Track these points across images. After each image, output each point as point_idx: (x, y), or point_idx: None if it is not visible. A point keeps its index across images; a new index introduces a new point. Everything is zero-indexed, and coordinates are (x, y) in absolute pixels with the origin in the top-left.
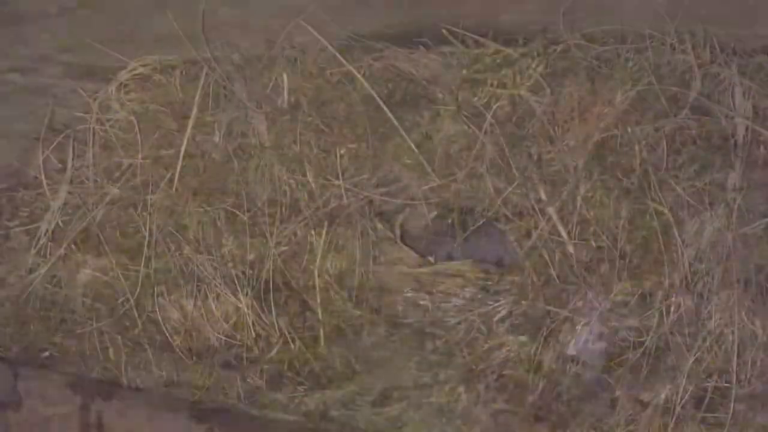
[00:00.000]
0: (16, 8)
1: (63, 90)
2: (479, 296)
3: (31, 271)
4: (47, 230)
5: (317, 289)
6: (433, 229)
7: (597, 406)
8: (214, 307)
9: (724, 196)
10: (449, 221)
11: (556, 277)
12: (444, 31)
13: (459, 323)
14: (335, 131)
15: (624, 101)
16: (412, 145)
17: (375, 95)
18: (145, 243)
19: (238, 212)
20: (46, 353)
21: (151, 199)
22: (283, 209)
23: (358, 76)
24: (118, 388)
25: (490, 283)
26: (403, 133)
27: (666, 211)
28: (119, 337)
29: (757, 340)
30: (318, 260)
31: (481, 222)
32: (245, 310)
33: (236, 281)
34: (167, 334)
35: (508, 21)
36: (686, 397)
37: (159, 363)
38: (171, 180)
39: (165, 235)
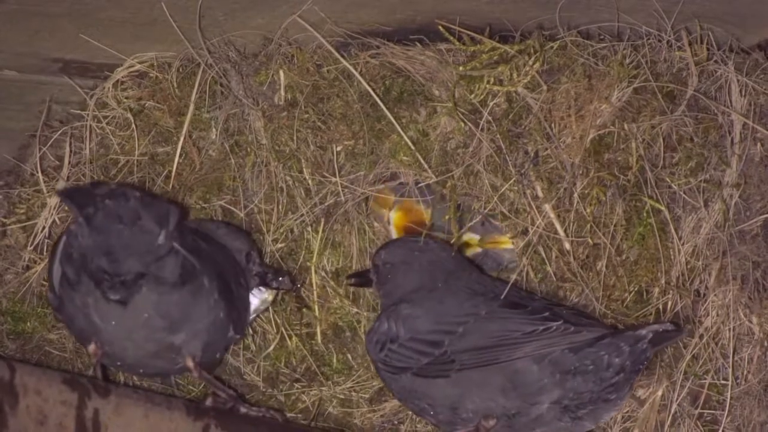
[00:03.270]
0: (13, 6)
1: (59, 87)
2: None
3: (27, 268)
4: (44, 227)
5: (314, 285)
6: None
7: None
8: None
9: (721, 193)
10: (446, 218)
11: (552, 274)
12: (440, 27)
13: None
14: (332, 128)
15: (621, 98)
16: (409, 142)
17: (372, 92)
18: None
19: (234, 209)
20: (43, 350)
21: None
22: (280, 206)
23: (355, 73)
24: (115, 386)
25: None
26: (400, 130)
27: (662, 208)
28: None
29: (754, 337)
30: (315, 257)
31: (477, 219)
32: None
33: None
34: None
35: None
36: (683, 394)
37: None
38: (168, 177)
39: None
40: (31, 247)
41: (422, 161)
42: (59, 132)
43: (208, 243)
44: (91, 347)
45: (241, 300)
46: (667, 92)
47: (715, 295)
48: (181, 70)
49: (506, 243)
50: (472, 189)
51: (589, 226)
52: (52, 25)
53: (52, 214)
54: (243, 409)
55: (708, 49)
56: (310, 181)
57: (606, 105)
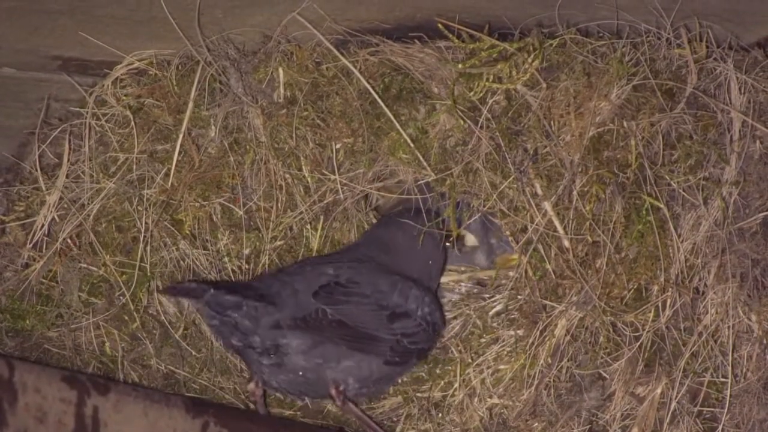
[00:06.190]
0: (12, 2)
1: (59, 84)
2: (475, 291)
3: (26, 265)
4: (43, 225)
5: None
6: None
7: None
8: None
9: (720, 191)
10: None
11: (552, 272)
12: (439, 25)
13: (455, 318)
14: (331, 126)
15: (620, 96)
16: (408, 140)
17: (371, 89)
18: (141, 237)
19: (233, 207)
20: (42, 348)
21: (146, 193)
22: (279, 204)
23: (354, 70)
24: (114, 383)
25: (486, 278)
26: (399, 128)
27: (662, 205)
28: (116, 331)
29: (753, 334)
30: (314, 255)
31: (476, 217)
32: None
33: (232, 276)
34: (166, 328)
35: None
36: (682, 391)
37: (157, 357)
38: (167, 174)
39: (161, 230)
40: (30, 245)
41: (421, 159)
42: (58, 129)
43: None
44: None
45: None
46: (667, 90)
47: (714, 292)
48: (180, 67)
49: (515, 261)
50: (471, 187)
51: (588, 223)
52: (52, 22)
53: (51, 212)
54: None
55: (707, 47)
56: (309, 179)
57: (605, 102)
